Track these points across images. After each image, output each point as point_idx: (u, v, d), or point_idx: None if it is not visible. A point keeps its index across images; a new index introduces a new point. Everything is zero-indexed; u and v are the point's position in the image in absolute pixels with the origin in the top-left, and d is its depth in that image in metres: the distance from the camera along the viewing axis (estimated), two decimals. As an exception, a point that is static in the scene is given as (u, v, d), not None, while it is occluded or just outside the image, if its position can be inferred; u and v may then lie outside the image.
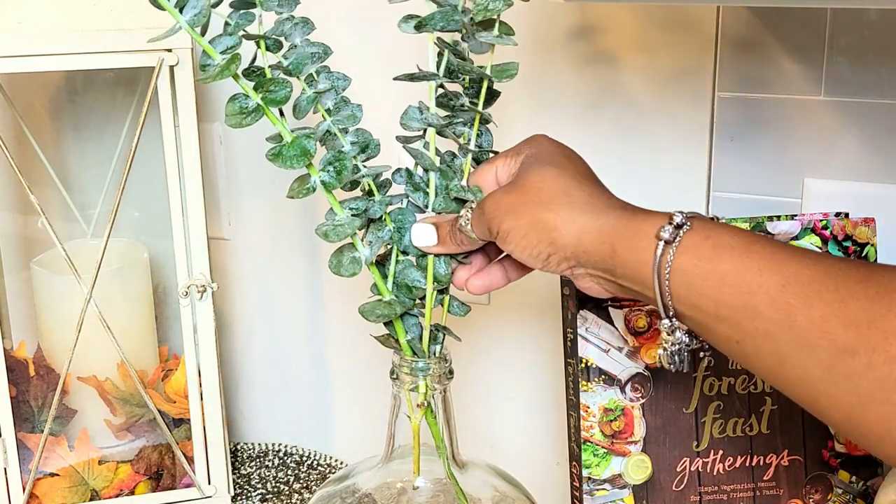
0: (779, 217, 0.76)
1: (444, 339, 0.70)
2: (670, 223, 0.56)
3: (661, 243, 0.56)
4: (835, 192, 0.82)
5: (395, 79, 0.67)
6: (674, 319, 0.58)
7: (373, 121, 0.70)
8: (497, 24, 0.64)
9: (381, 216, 0.68)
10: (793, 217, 0.76)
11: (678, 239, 0.56)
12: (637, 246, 0.57)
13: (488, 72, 0.66)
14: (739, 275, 0.53)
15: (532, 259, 0.62)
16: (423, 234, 0.68)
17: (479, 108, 0.67)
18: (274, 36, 0.66)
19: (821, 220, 0.75)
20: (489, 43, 0.65)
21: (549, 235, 0.60)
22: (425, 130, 0.68)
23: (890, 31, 0.77)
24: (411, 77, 0.66)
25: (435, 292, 0.69)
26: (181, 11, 0.60)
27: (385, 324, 0.69)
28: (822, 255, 0.55)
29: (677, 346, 0.59)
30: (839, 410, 0.50)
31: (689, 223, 0.56)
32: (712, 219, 0.60)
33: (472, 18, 0.64)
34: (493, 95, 0.68)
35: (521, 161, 0.65)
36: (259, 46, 0.64)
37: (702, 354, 0.60)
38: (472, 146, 0.68)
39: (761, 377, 0.55)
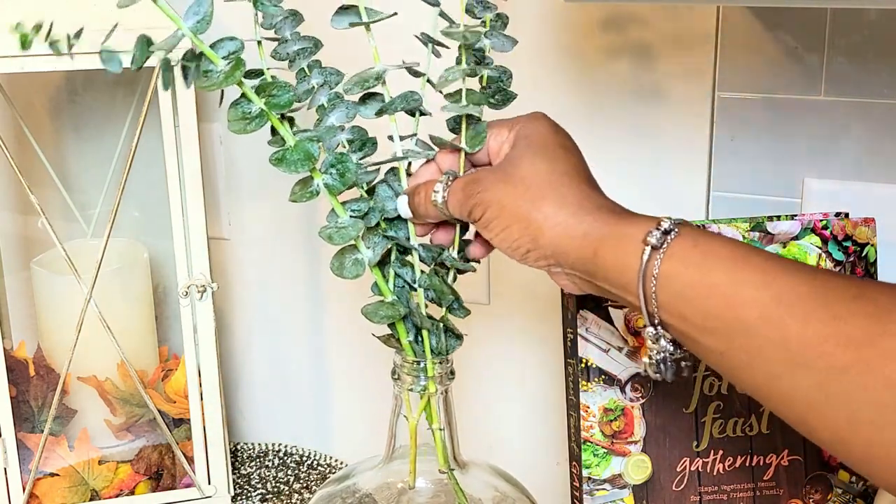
0: (779, 217, 0.76)
1: (446, 340, 0.70)
2: (658, 228, 0.55)
3: (649, 248, 0.54)
4: (835, 192, 0.82)
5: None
6: (658, 327, 0.56)
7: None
8: (465, 94, 0.64)
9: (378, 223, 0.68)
10: (793, 217, 0.76)
11: (666, 245, 0.54)
12: (623, 250, 0.56)
13: (463, 144, 0.65)
14: (731, 286, 0.52)
15: (510, 251, 0.61)
16: (401, 206, 0.66)
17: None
18: (264, 29, 0.66)
19: (821, 220, 0.75)
20: (455, 113, 0.65)
21: (532, 233, 0.59)
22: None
23: (890, 31, 0.78)
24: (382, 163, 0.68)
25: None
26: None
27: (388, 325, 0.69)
28: (815, 269, 0.53)
29: (662, 355, 0.57)
30: (829, 430, 0.49)
31: (676, 229, 0.55)
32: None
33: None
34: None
35: (514, 138, 0.63)
36: (259, 49, 0.64)
37: (683, 364, 0.58)
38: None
39: (747, 391, 0.53)
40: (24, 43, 0.53)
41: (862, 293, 0.49)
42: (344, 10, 0.66)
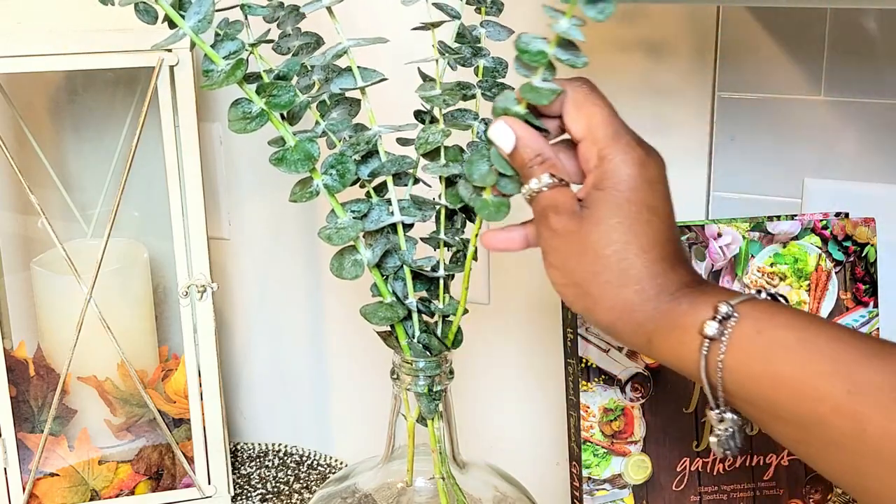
0: (779, 217, 0.76)
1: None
2: (715, 317, 0.51)
3: (707, 341, 0.51)
4: (835, 192, 0.82)
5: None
6: (725, 410, 0.53)
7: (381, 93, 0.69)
8: (443, 153, 0.65)
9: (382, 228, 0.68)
10: (793, 217, 0.76)
11: (725, 336, 0.51)
12: (678, 341, 0.53)
13: (443, 201, 0.67)
14: (799, 380, 0.49)
15: (568, 304, 0.58)
16: (502, 133, 0.57)
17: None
18: (266, 23, 0.67)
19: (821, 220, 0.75)
20: (436, 174, 0.66)
21: (585, 306, 0.56)
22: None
23: (890, 31, 0.78)
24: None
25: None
26: (184, 17, 0.60)
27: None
28: (889, 351, 0.49)
29: (731, 430, 0.53)
30: None
31: (735, 313, 0.51)
32: (769, 296, 0.55)
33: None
34: None
35: (600, 176, 0.55)
36: (253, 52, 0.65)
37: (747, 432, 0.55)
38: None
39: (836, 485, 0.50)
40: None
41: None
42: (338, 73, 0.67)
